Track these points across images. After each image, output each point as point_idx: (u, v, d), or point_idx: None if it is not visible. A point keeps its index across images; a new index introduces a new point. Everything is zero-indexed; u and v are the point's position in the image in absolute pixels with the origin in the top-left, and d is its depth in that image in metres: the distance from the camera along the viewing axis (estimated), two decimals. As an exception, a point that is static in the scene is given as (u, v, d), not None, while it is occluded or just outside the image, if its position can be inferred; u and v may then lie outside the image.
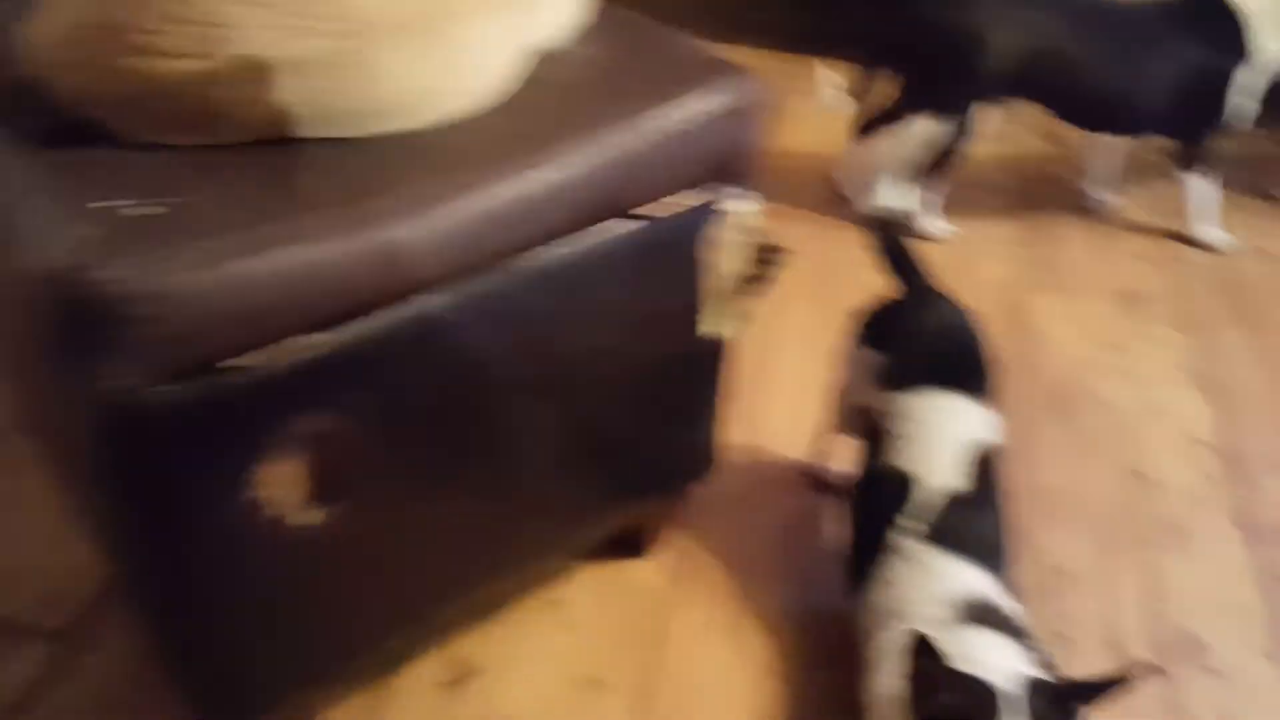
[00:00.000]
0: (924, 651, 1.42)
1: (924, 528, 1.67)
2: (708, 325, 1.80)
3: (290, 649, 1.57)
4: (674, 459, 1.97)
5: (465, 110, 1.42)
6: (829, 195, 3.08)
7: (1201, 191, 3.01)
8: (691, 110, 1.51)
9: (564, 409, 1.70)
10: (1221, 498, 2.28)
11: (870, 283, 2.05)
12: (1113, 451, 2.38)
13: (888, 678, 1.56)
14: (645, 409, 1.83)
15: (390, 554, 1.57)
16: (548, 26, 1.56)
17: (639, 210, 1.57)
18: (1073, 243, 3.07)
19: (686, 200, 1.61)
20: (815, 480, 2.24)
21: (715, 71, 1.56)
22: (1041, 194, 3.28)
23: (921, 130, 1.90)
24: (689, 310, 1.76)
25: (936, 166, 2.90)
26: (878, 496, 1.77)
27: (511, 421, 1.62)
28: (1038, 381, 2.57)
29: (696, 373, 1.88)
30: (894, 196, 1.95)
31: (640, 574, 2.06)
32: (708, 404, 1.94)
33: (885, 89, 2.89)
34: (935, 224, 2.98)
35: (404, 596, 1.67)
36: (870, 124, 2.96)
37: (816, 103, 2.96)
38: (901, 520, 1.69)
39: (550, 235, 1.43)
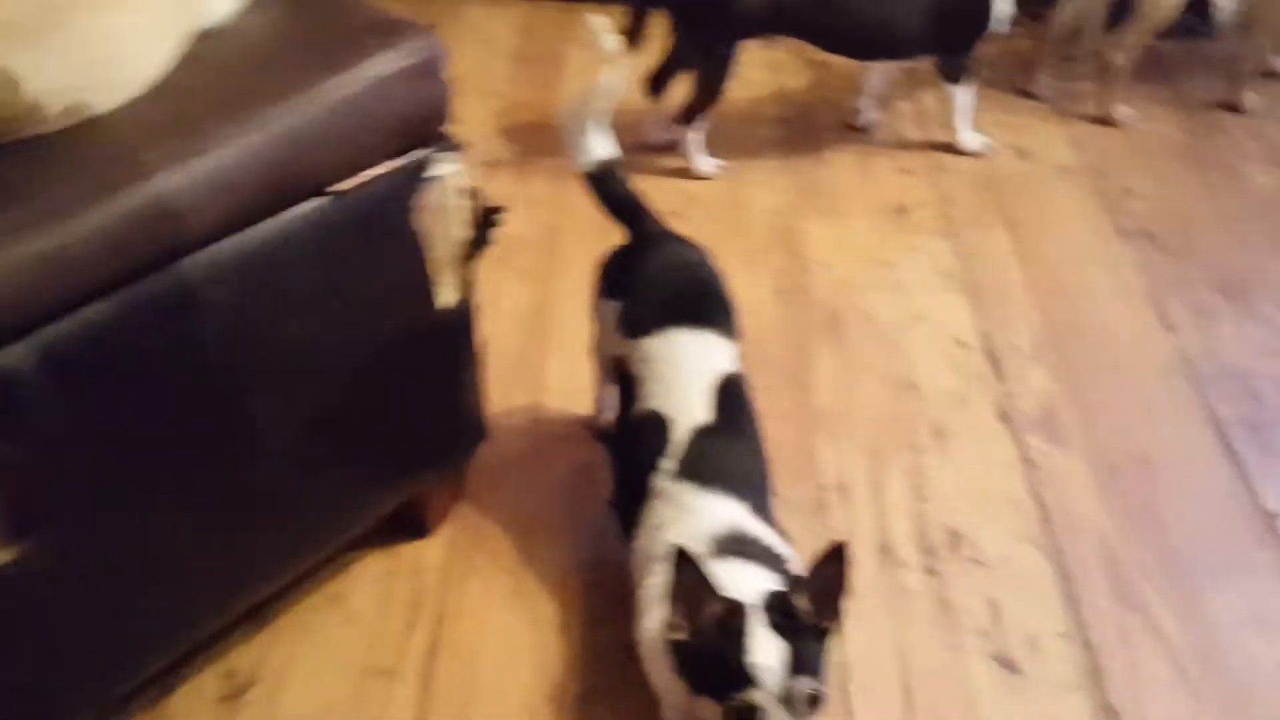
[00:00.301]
0: (685, 566, 1.45)
1: (677, 466, 1.69)
2: (445, 295, 1.77)
3: (33, 693, 1.48)
4: (439, 434, 1.94)
5: (114, 104, 1.34)
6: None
7: (964, 100, 3.10)
8: (365, 76, 1.46)
9: (301, 399, 1.65)
10: (984, 395, 2.38)
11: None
12: (882, 365, 2.45)
13: (654, 621, 1.58)
14: (397, 388, 1.79)
15: (119, 578, 1.49)
16: (206, 3, 1.48)
17: (335, 187, 1.52)
18: (842, 166, 3.13)
19: (386, 170, 1.56)
20: (596, 432, 2.24)
21: (390, 33, 1.51)
22: (810, 121, 3.33)
23: (609, 80, 1.89)
24: (419, 282, 1.72)
25: (700, 105, 2.91)
26: (635, 442, 1.79)
27: (238, 421, 1.56)
28: (811, 305, 2.62)
29: (446, 344, 1.85)
30: (600, 146, 1.94)
31: (424, 553, 2.03)
32: (464, 374, 1.91)
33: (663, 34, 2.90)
34: (704, 162, 3.00)
35: (150, 618, 1.59)
36: (658, 78, 2.96)
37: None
38: (660, 462, 1.70)
39: (225, 224, 1.37)
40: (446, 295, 1.77)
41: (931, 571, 2.00)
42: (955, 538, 2.06)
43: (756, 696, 1.38)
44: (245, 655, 1.85)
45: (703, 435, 1.72)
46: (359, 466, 1.79)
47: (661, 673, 1.55)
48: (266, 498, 1.66)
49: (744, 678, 1.39)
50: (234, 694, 1.79)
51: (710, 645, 1.43)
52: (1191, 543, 2.06)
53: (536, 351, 2.47)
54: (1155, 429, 2.31)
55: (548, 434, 2.28)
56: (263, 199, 1.42)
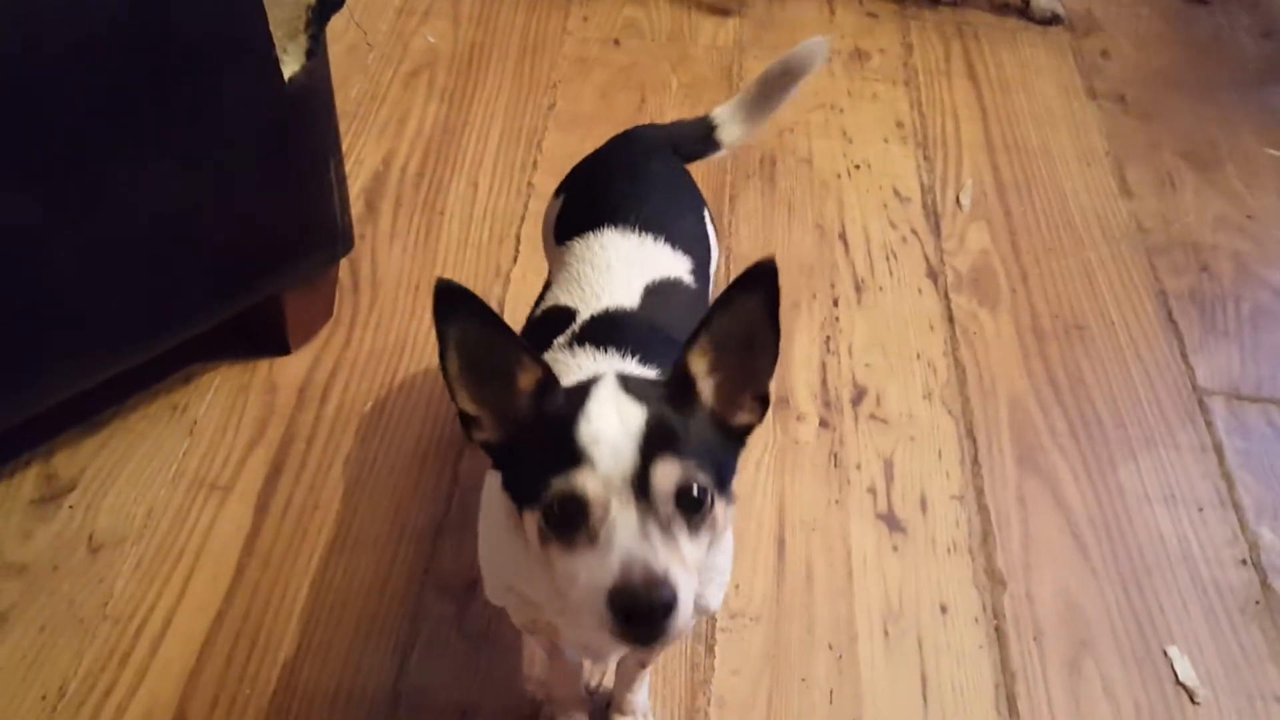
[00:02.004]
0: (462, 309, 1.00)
1: (569, 338, 1.28)
2: (291, 64, 1.57)
3: None
4: (289, 233, 1.75)
5: None
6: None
7: None
8: None
9: (127, 164, 1.46)
10: (916, 251, 2.20)
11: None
12: (812, 212, 2.26)
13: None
14: (240, 167, 1.60)
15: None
16: None
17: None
18: (806, 4, 2.88)
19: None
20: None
21: None
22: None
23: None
24: (260, 44, 1.51)
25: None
26: (540, 332, 1.34)
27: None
28: (745, 146, 2.41)
29: (296, 126, 1.65)
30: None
31: (282, 372, 1.87)
32: (318, 166, 1.72)
33: None
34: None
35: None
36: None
37: None
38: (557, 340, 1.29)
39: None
40: (292, 64, 1.56)
41: (828, 425, 1.85)
42: (860, 393, 1.91)
43: (578, 481, 0.93)
44: (69, 459, 1.71)
45: (610, 314, 1.30)
46: (194, 252, 1.61)
47: (494, 538, 1.18)
48: (88, 278, 1.49)
49: (567, 456, 0.94)
50: (51, 496, 1.66)
51: (527, 429, 1.00)
52: (1113, 414, 1.91)
53: (438, 174, 2.27)
54: (1095, 297, 2.13)
55: (437, 265, 2.10)
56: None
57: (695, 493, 0.94)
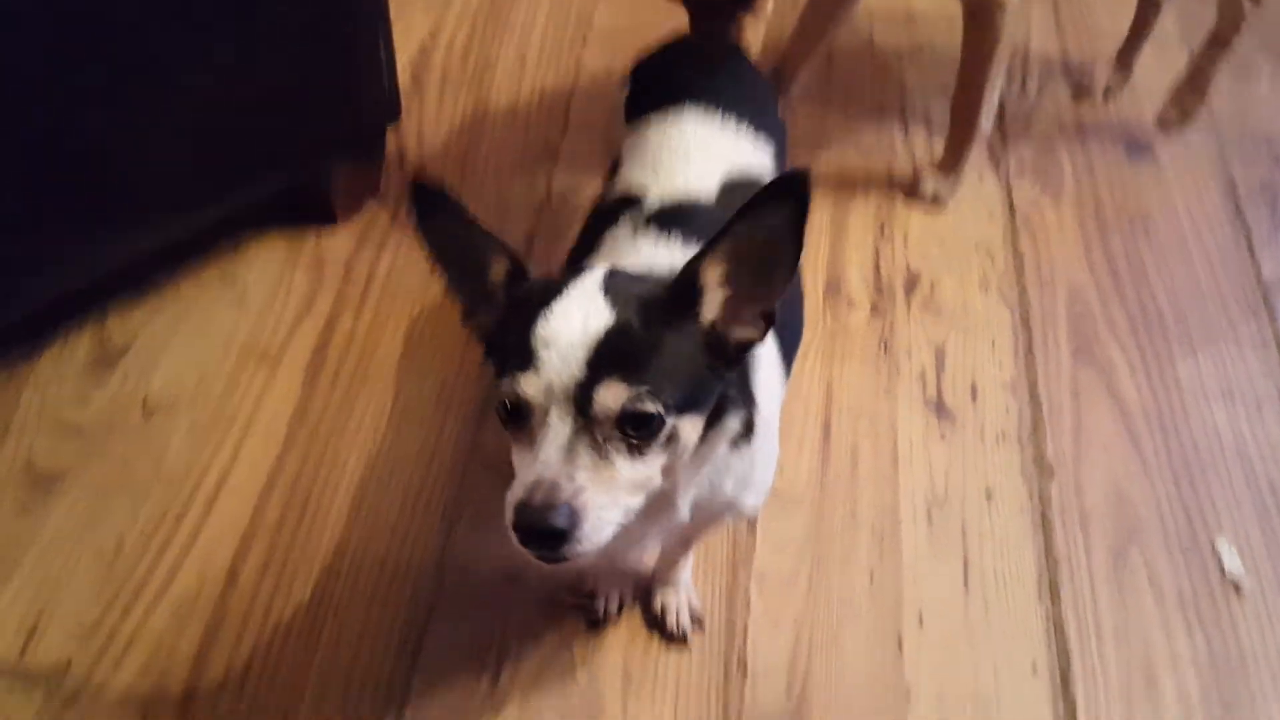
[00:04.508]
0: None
1: (640, 219, 1.23)
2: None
3: None
4: (336, 101, 1.72)
5: None
6: None
7: None
8: None
9: (175, 39, 1.44)
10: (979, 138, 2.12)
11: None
12: (871, 95, 2.19)
13: None
14: (287, 38, 1.58)
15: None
16: None
17: None
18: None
19: None
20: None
21: None
22: None
23: None
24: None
25: None
26: (606, 219, 1.29)
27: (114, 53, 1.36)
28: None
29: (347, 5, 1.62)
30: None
31: (329, 246, 1.87)
32: (365, 33, 1.69)
33: None
34: None
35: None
36: None
37: None
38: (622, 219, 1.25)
39: None
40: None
41: (879, 312, 1.82)
42: (913, 281, 1.87)
43: (520, 383, 0.90)
44: (122, 324, 1.72)
45: (682, 204, 1.24)
46: (243, 117, 1.60)
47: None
48: (142, 144, 1.49)
49: (521, 355, 0.91)
50: (106, 360, 1.68)
51: (500, 322, 0.99)
52: (1175, 306, 1.86)
53: (486, 49, 2.22)
54: (1162, 186, 2.06)
55: (484, 143, 2.06)
56: None
57: (642, 418, 0.90)
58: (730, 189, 1.25)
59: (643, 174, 1.29)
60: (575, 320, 0.91)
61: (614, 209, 1.28)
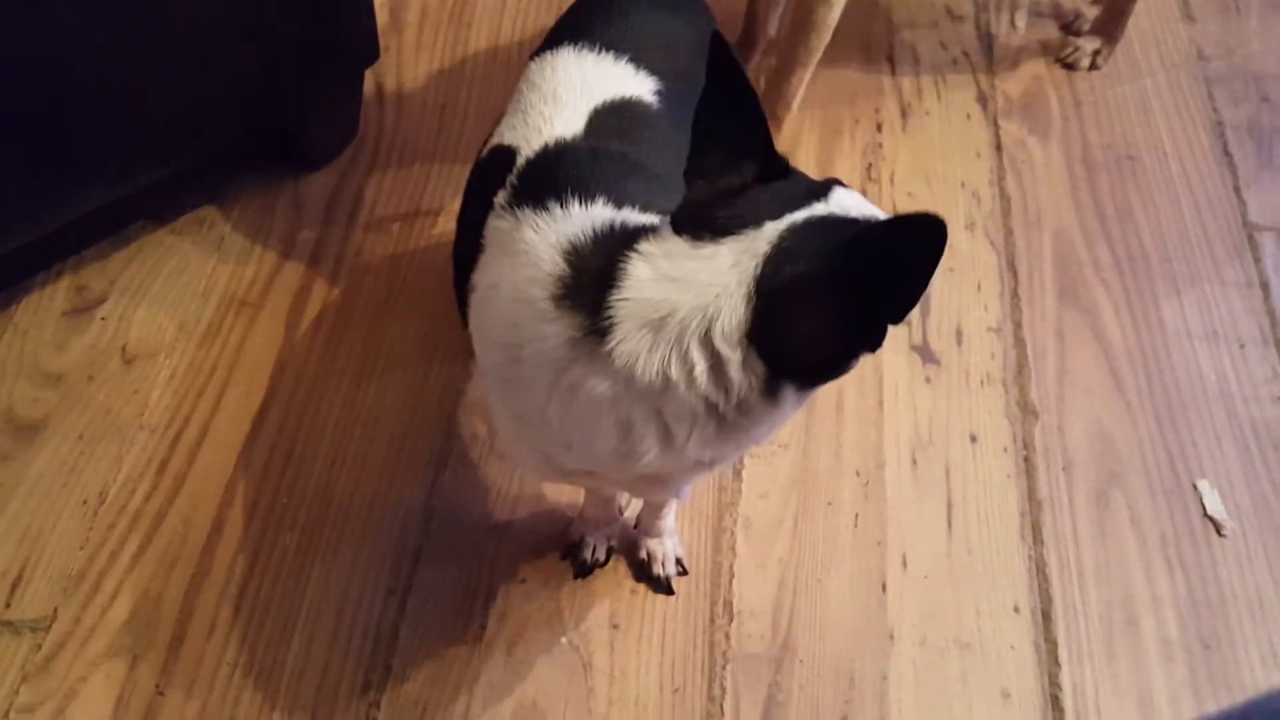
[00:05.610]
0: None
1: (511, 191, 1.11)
2: None
3: None
4: (312, 38, 1.67)
5: None
6: None
7: None
8: None
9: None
10: (965, 73, 2.10)
11: None
12: (860, 33, 2.15)
13: None
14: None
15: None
16: None
17: None
18: None
19: None
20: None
21: None
22: None
23: None
24: None
25: None
26: (483, 181, 1.20)
27: None
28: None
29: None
30: None
31: (308, 191, 1.84)
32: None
33: None
34: None
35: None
36: None
37: None
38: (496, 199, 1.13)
39: None
40: None
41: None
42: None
43: None
44: (99, 272, 1.70)
45: (555, 150, 1.14)
46: (218, 59, 1.56)
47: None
48: (114, 86, 1.45)
49: None
50: (83, 308, 1.66)
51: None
52: (1160, 248, 1.85)
53: (467, -10, 2.17)
54: (1150, 127, 2.04)
55: (465, 81, 2.02)
56: None
57: None
58: (598, 115, 1.17)
59: (513, 129, 1.20)
60: None
61: (488, 165, 1.20)
